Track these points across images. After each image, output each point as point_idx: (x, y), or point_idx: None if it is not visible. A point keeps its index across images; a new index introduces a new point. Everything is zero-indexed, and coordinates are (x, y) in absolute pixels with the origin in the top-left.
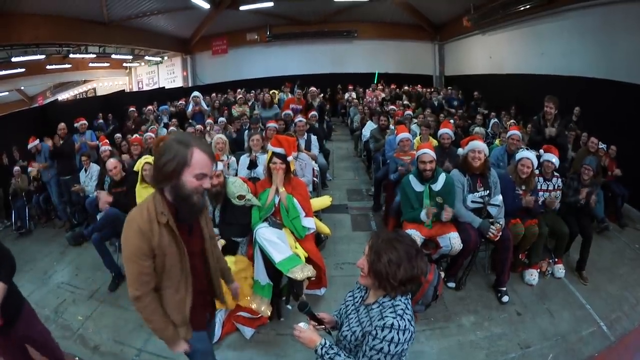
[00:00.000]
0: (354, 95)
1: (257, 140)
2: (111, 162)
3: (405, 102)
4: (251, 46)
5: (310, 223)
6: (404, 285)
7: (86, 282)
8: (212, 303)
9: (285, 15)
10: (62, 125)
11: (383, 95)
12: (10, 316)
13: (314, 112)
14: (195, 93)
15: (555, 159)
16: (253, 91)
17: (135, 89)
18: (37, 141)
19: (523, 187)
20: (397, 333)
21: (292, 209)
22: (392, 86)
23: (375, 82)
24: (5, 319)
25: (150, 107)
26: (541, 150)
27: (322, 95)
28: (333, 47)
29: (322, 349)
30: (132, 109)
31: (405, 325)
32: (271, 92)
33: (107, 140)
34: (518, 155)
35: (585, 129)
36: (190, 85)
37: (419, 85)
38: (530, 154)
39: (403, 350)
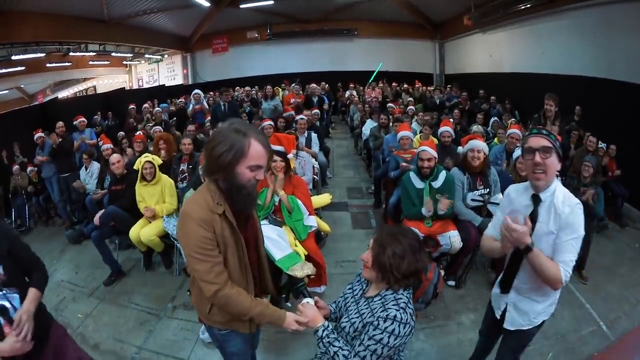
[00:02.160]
0: (354, 93)
1: None
2: (114, 157)
3: (410, 99)
4: (251, 44)
5: (312, 221)
6: (407, 278)
7: (86, 280)
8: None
9: (286, 14)
10: (60, 123)
11: (385, 93)
12: (37, 337)
13: (316, 110)
14: (196, 91)
15: None
16: (254, 89)
17: (135, 86)
18: (42, 134)
19: None
20: (399, 326)
21: (297, 211)
22: (394, 84)
23: (372, 79)
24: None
25: (146, 105)
26: None
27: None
28: (333, 46)
29: (323, 330)
30: (132, 106)
31: (407, 319)
32: (275, 88)
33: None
34: (516, 154)
35: (587, 128)
36: (190, 83)
37: (419, 84)
38: None
39: (401, 345)
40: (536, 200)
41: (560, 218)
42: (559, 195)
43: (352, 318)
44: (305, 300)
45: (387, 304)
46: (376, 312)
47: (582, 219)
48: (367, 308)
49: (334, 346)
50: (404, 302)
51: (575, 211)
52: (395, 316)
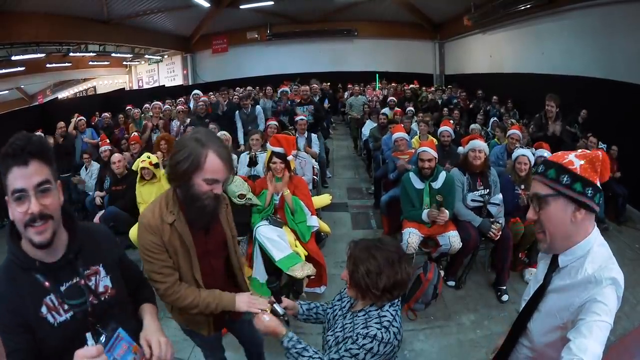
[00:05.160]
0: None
1: (256, 140)
2: (116, 156)
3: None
4: (251, 45)
5: (314, 221)
6: (389, 292)
7: None
8: None
9: (286, 14)
10: (61, 124)
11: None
12: None
13: None
14: (196, 91)
15: (547, 154)
16: (255, 90)
17: (135, 87)
18: (41, 133)
19: (522, 186)
20: (378, 345)
21: (300, 213)
22: (393, 83)
23: (377, 83)
24: None
25: (146, 105)
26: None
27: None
28: (333, 46)
29: (288, 341)
30: (129, 107)
31: (389, 339)
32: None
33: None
34: (515, 154)
35: (587, 129)
36: (190, 83)
37: (417, 84)
38: (527, 152)
39: None
40: (552, 263)
41: (581, 292)
42: (590, 264)
43: (337, 332)
44: (263, 315)
45: (369, 321)
46: (357, 327)
47: (614, 302)
48: (350, 323)
49: (303, 356)
50: (388, 321)
51: (601, 291)
52: (375, 335)
